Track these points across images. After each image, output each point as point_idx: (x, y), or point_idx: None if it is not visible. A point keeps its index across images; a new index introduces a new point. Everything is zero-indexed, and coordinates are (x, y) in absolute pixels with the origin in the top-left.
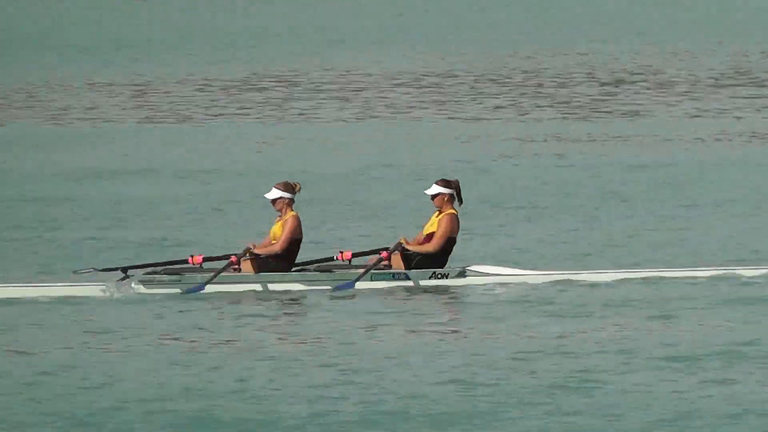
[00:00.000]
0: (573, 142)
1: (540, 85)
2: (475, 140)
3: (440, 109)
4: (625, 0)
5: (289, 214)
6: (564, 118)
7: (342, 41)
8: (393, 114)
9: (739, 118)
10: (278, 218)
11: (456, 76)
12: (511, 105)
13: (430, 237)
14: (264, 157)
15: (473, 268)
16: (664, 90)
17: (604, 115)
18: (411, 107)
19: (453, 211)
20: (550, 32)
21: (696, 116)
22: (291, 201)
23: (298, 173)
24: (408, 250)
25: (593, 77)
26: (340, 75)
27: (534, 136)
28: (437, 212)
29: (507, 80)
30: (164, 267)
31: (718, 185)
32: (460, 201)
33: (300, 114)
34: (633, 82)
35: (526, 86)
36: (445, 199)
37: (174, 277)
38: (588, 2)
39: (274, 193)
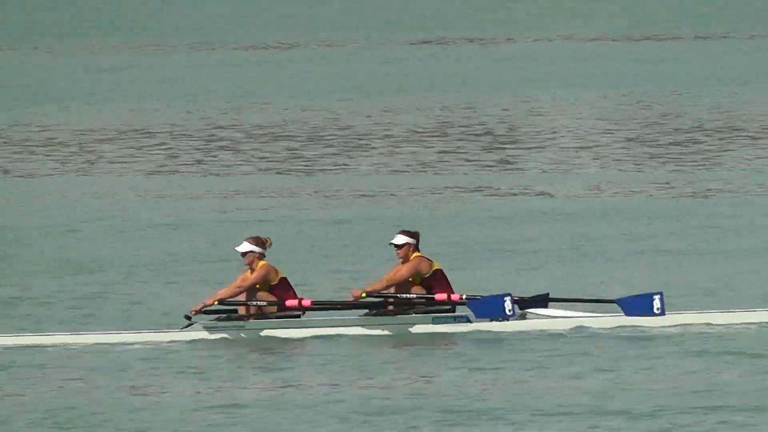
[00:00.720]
0: (271, 197)
1: (233, 140)
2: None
3: (139, 164)
4: (330, 54)
5: (260, 264)
6: (261, 171)
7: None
8: (97, 167)
9: (439, 173)
10: (247, 271)
11: (150, 131)
12: (205, 160)
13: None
14: None
15: (533, 311)
16: (363, 144)
17: (303, 169)
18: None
19: (418, 253)
20: (257, 88)
21: (394, 171)
22: (261, 255)
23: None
24: (371, 293)
25: (294, 131)
26: (48, 130)
27: (233, 191)
28: (401, 262)
29: (206, 134)
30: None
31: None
32: (418, 250)
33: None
34: (325, 137)
35: (220, 140)
36: (410, 248)
37: (237, 323)
38: (299, 56)
39: (245, 247)
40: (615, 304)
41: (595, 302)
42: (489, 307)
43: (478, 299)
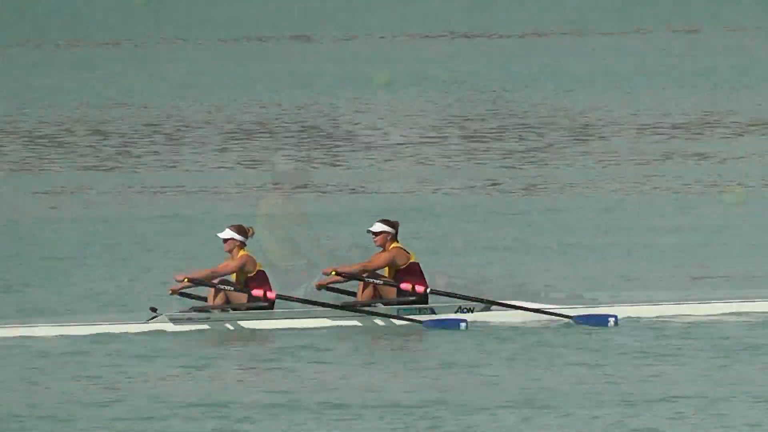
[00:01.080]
0: (98, 195)
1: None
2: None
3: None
4: (163, 52)
5: (240, 254)
6: (93, 168)
7: None
8: None
9: (255, 168)
10: (228, 259)
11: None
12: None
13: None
14: None
15: (499, 302)
16: (191, 141)
17: (131, 166)
18: None
19: (397, 244)
20: (110, 86)
21: (222, 168)
22: (242, 244)
23: None
24: (341, 273)
25: (122, 128)
26: None
27: (63, 188)
28: (381, 251)
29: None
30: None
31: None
32: (396, 241)
33: None
34: (155, 133)
35: (45, 137)
36: (388, 237)
37: (202, 315)
38: (153, 56)
39: (227, 234)
40: (572, 321)
41: (554, 316)
42: (444, 325)
43: (435, 320)
